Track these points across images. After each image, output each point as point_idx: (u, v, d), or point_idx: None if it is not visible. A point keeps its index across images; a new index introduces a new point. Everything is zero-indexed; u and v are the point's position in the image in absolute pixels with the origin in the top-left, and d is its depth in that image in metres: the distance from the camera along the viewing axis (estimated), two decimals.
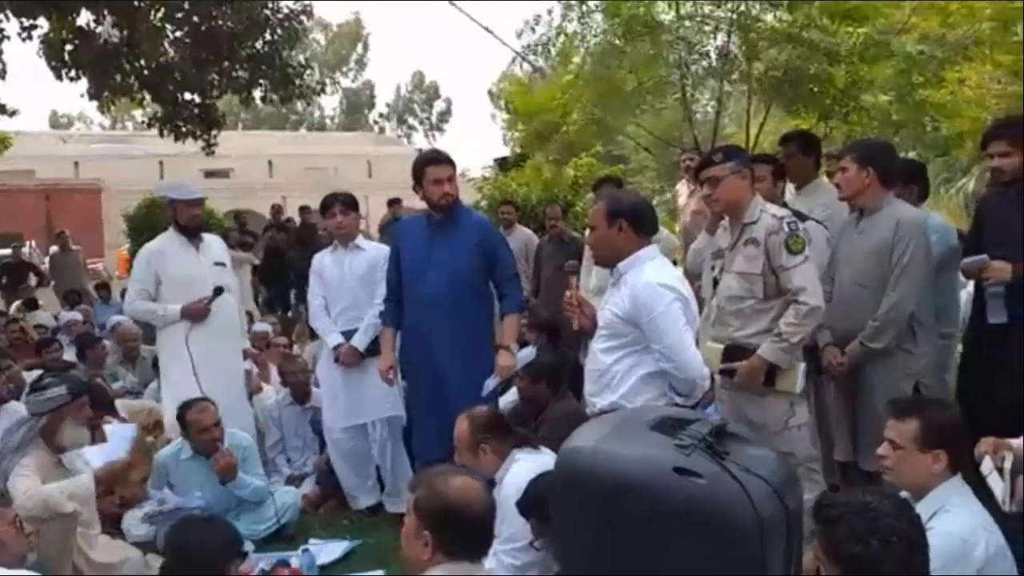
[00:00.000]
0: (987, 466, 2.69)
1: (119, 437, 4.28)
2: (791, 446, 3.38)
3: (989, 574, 2.47)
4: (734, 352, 3.57)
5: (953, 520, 2.50)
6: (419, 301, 4.44)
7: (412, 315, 4.51)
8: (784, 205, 4.00)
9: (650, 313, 3.22)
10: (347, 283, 4.94)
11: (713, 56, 11.60)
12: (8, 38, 10.19)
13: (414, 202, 15.29)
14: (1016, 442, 2.78)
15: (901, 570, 2.03)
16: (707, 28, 11.42)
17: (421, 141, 52.42)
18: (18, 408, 4.78)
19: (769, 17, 11.23)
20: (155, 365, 6.48)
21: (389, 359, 4.61)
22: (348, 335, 4.87)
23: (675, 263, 6.30)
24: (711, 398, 4.19)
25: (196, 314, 4.93)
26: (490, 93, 17.77)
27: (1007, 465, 2.68)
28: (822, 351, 3.81)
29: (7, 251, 13.90)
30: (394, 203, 12.15)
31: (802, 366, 3.54)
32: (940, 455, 2.62)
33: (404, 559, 2.53)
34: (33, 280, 12.64)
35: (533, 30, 12.54)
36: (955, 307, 4.57)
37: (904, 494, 2.63)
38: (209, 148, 11.77)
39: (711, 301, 4.14)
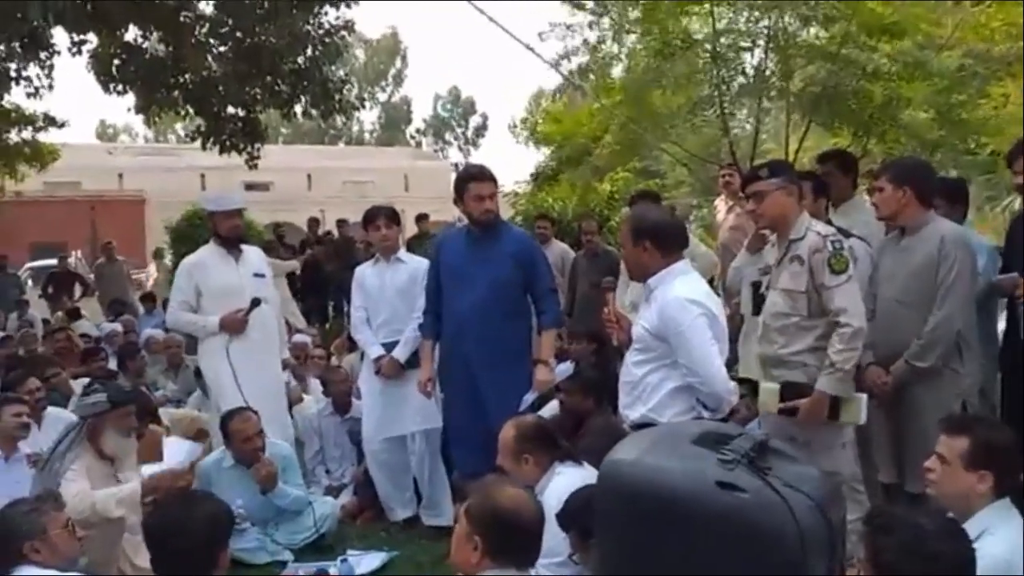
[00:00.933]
0: None
1: (175, 453, 4.22)
2: (836, 465, 3.36)
3: None
4: (791, 390, 3.55)
5: (997, 542, 2.46)
6: (458, 314, 4.47)
7: (451, 328, 4.54)
8: (829, 222, 3.98)
9: (677, 327, 3.24)
10: (388, 295, 4.98)
11: (750, 73, 11.56)
12: (59, 52, 10.46)
13: (442, 216, 15.32)
14: None
15: None
16: (744, 45, 11.38)
17: (456, 156, 52.72)
18: (61, 414, 4.89)
19: (806, 34, 11.17)
20: (198, 374, 6.61)
21: (428, 371, 4.65)
22: (389, 347, 4.91)
23: (712, 280, 6.33)
24: (754, 413, 4.21)
25: (234, 326, 5.01)
26: (511, 128, 17.64)
27: None
28: (864, 371, 3.75)
29: (54, 261, 14.19)
30: (422, 219, 12.29)
31: (864, 396, 3.53)
32: (986, 476, 2.59)
33: (452, 565, 2.57)
34: (78, 290, 12.88)
35: (569, 59, 12.53)
36: None
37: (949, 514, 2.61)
38: (252, 161, 11.93)
39: (751, 317, 4.11)
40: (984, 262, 4.10)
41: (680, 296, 3.27)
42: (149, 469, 4.06)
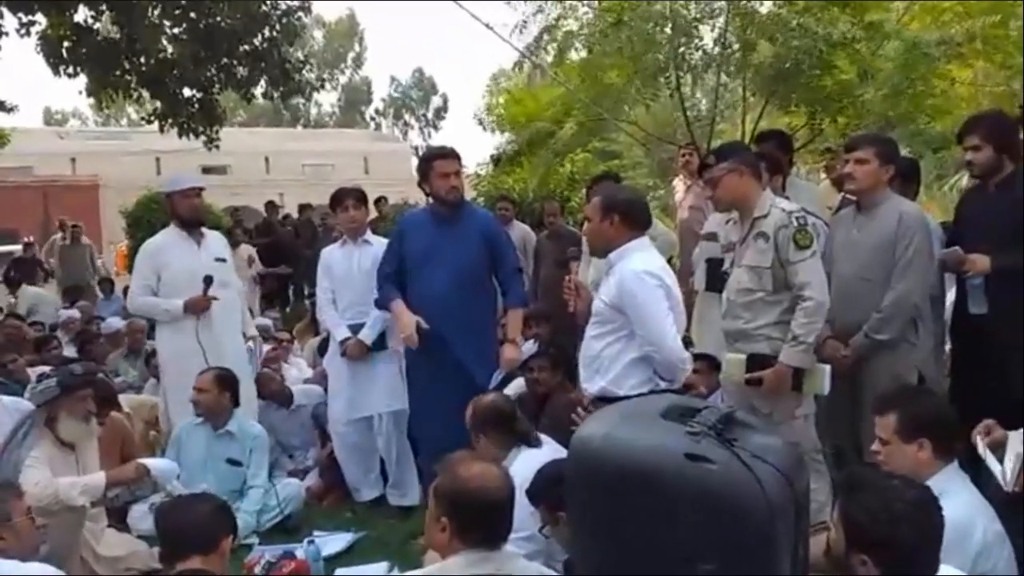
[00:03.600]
0: (981, 446, 2.76)
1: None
2: (796, 436, 3.44)
3: (986, 560, 2.52)
4: (756, 361, 3.64)
5: (950, 506, 2.49)
6: (426, 294, 4.46)
7: (419, 308, 4.52)
8: (787, 199, 4.04)
9: (633, 299, 3.35)
10: (355, 277, 4.97)
11: (710, 44, 11.60)
12: (6, 34, 10.17)
13: (402, 198, 15.14)
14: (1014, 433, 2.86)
15: (902, 553, 2.07)
16: (702, 15, 11.40)
17: (417, 138, 52.36)
18: (18, 404, 4.81)
19: (763, 8, 11.23)
20: (147, 361, 6.55)
21: (410, 321, 4.45)
22: (355, 329, 4.91)
23: (671, 259, 6.42)
24: (713, 388, 4.29)
25: (199, 306, 4.98)
26: (476, 116, 17.60)
27: (1018, 449, 2.75)
28: (823, 344, 3.83)
29: (17, 247, 13.95)
30: (380, 201, 12.28)
31: (827, 368, 3.62)
32: (924, 443, 2.67)
33: (427, 544, 2.57)
34: (40, 277, 12.67)
35: (522, 31, 12.52)
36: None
37: None
38: (211, 143, 11.79)
39: (705, 292, 4.15)
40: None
41: (637, 269, 3.37)
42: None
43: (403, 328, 4.48)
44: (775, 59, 10.38)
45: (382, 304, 4.66)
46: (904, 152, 6.34)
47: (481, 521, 2.40)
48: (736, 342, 3.77)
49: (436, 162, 4.47)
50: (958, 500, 2.58)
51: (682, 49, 11.02)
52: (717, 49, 11.18)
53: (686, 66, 11.24)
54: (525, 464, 3.40)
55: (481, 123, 17.61)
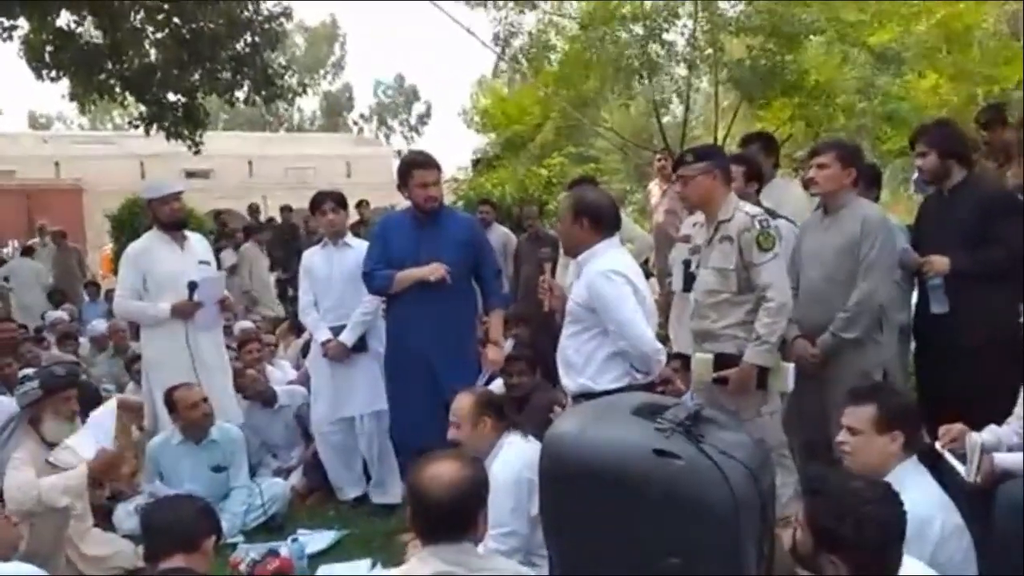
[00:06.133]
0: (941, 448, 2.88)
1: (98, 423, 4.17)
2: (762, 433, 3.51)
3: (944, 551, 2.59)
4: (723, 361, 3.73)
5: (910, 499, 2.57)
6: (409, 296, 4.51)
7: (402, 310, 4.60)
8: (758, 204, 4.14)
9: (601, 297, 3.46)
10: (336, 280, 5.02)
11: (679, 44, 11.70)
12: None
13: (384, 202, 15.16)
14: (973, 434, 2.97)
15: (870, 552, 2.15)
16: (669, 15, 11.52)
17: (400, 143, 52.26)
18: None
19: (730, 9, 11.37)
20: (127, 366, 6.58)
21: (426, 267, 4.44)
22: (336, 331, 4.96)
23: (647, 262, 6.52)
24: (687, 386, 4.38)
25: (186, 311, 5.01)
26: (461, 114, 17.99)
27: (975, 442, 2.85)
28: (791, 344, 3.93)
29: None
30: (361, 205, 12.34)
31: (791, 366, 3.71)
32: (897, 436, 2.78)
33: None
34: None
35: (507, 42, 12.63)
36: None
37: None
38: (196, 147, 11.80)
39: (681, 294, 4.37)
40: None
41: (603, 268, 3.49)
42: (78, 440, 4.06)
43: (425, 273, 4.43)
44: (748, 56, 10.47)
45: (381, 288, 4.63)
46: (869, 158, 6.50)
47: (429, 519, 2.42)
48: (704, 342, 3.86)
49: (415, 171, 4.53)
50: (918, 493, 2.64)
51: (650, 48, 11.13)
52: (688, 49, 11.31)
53: (654, 65, 11.36)
54: (508, 457, 3.47)
55: (466, 120, 17.77)
